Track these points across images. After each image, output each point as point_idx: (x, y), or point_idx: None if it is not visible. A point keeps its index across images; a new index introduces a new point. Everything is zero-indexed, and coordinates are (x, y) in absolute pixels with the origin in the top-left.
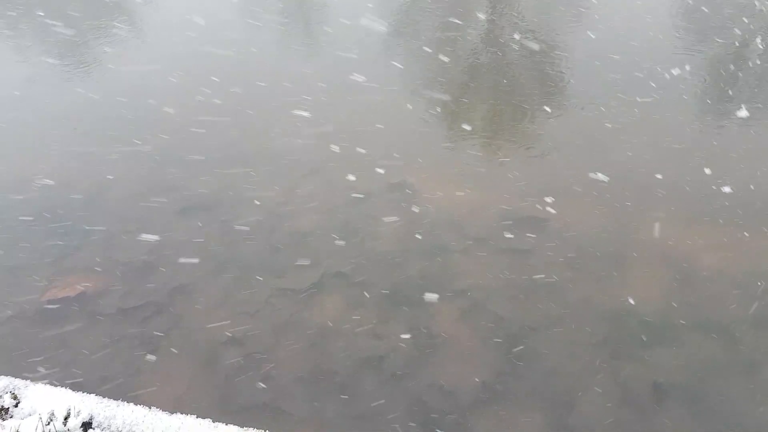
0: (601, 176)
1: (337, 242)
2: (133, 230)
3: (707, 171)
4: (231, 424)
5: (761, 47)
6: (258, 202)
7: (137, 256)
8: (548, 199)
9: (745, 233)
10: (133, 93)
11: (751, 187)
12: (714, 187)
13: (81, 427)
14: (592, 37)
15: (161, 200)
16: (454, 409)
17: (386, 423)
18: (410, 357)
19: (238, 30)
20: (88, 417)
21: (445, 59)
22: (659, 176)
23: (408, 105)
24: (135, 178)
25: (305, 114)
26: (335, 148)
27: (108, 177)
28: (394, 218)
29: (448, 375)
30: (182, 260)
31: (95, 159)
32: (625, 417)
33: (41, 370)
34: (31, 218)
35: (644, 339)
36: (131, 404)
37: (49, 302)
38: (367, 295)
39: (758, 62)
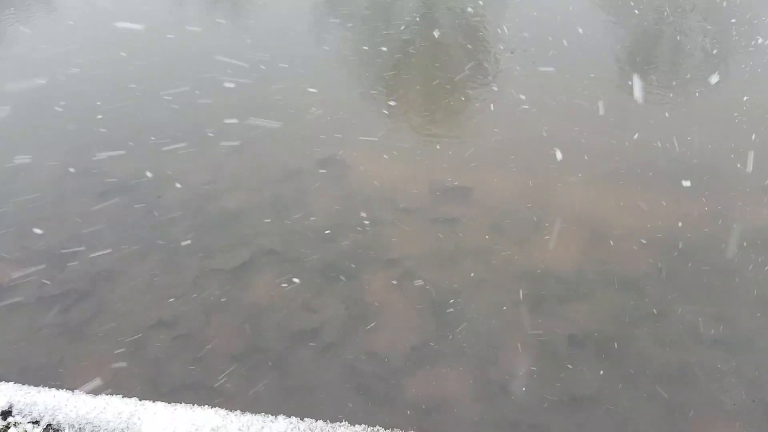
0: (521, 145)
1: (266, 220)
2: (49, 216)
3: (620, 138)
4: (159, 401)
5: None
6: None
7: (55, 243)
8: (472, 169)
9: (653, 195)
10: None
11: (659, 153)
12: (627, 151)
13: (0, 415)
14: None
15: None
16: (388, 373)
17: (321, 392)
18: (344, 327)
19: None
20: (7, 405)
21: (377, 33)
22: (575, 142)
23: (337, 79)
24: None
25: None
26: (264, 123)
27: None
28: (325, 193)
29: (380, 341)
30: (104, 245)
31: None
32: (543, 368)
33: None
34: None
35: (560, 296)
36: (53, 389)
37: None
38: (300, 270)
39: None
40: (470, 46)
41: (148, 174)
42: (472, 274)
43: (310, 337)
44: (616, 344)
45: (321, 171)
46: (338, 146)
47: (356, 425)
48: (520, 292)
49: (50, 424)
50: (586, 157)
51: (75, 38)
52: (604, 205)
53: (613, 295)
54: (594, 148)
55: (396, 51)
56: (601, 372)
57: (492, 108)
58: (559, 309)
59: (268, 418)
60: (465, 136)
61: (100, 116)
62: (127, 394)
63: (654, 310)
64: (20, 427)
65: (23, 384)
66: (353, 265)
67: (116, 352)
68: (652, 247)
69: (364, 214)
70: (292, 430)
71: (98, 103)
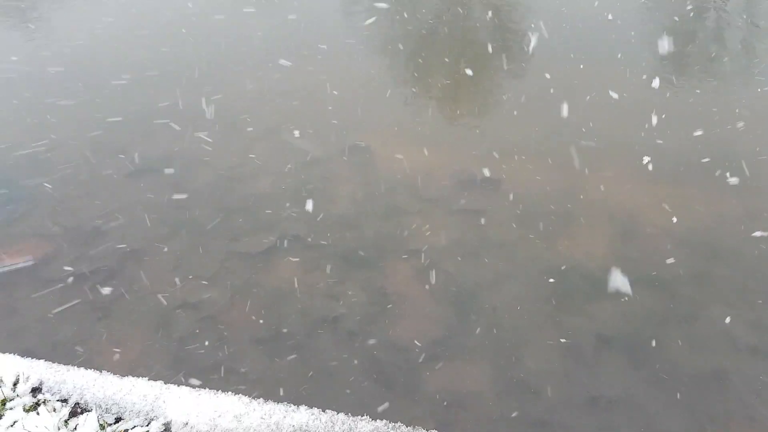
0: (552, 137)
1: (292, 205)
2: (82, 195)
3: (655, 131)
4: (183, 385)
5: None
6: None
7: (87, 221)
8: (501, 160)
9: (688, 192)
10: None
11: (695, 147)
12: (663, 146)
13: (30, 392)
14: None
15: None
16: (407, 364)
17: (340, 380)
18: (365, 316)
19: None
20: (38, 382)
21: (406, 18)
22: (607, 137)
23: (365, 66)
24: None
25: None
26: (292, 108)
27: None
28: (350, 180)
29: (401, 332)
30: (133, 224)
31: (37, 121)
32: (569, 367)
33: None
34: None
35: (588, 294)
36: (81, 368)
37: None
38: (324, 257)
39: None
40: (505, 36)
41: None
42: (497, 269)
43: (331, 324)
44: (645, 345)
45: (345, 158)
46: (364, 133)
47: (377, 420)
48: (547, 287)
49: (78, 403)
50: (620, 151)
51: None
52: (637, 200)
53: (643, 295)
54: (629, 142)
55: (426, 38)
56: (629, 373)
57: (525, 99)
58: (587, 307)
59: (290, 408)
60: (496, 126)
61: None
62: (151, 373)
63: (687, 312)
64: (49, 405)
65: (53, 362)
66: (375, 255)
67: (142, 331)
68: (686, 245)
69: (387, 202)
70: (313, 420)
71: None
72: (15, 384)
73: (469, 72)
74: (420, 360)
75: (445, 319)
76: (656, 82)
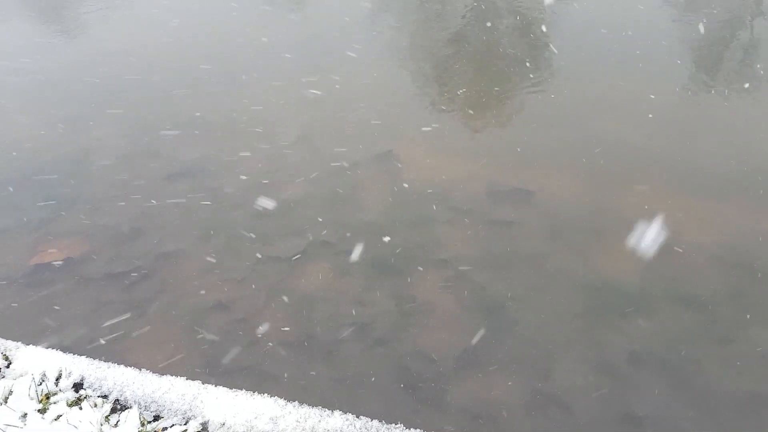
0: (586, 148)
1: (322, 212)
2: (119, 195)
3: (691, 144)
4: (220, 386)
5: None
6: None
7: (123, 221)
8: (533, 171)
9: (725, 207)
10: None
11: (733, 161)
12: (699, 158)
13: (72, 387)
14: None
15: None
16: (436, 374)
17: (369, 386)
18: (394, 324)
19: None
20: (80, 378)
21: (435, 25)
22: (642, 149)
23: (396, 74)
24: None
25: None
26: (322, 116)
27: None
28: (380, 189)
29: (430, 342)
30: (169, 226)
31: (79, 122)
32: (601, 384)
33: (30, 333)
34: (16, 182)
35: (622, 310)
36: (121, 366)
37: (36, 267)
38: (353, 264)
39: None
40: (537, 44)
41: None
42: (528, 281)
43: (359, 331)
44: (679, 365)
45: (375, 166)
46: (393, 142)
47: (411, 429)
48: (578, 302)
49: (118, 399)
50: (655, 164)
51: None
52: (672, 214)
53: (678, 313)
54: (664, 154)
55: (455, 46)
56: (663, 393)
57: (557, 109)
58: (620, 323)
59: (325, 413)
60: (528, 136)
61: None
62: (186, 372)
63: (723, 332)
64: (91, 401)
65: (94, 359)
66: (404, 263)
67: (177, 330)
68: (723, 262)
69: (417, 211)
70: (347, 426)
71: None
72: (57, 379)
73: (500, 85)
74: (448, 370)
75: (475, 331)
76: (698, 93)
